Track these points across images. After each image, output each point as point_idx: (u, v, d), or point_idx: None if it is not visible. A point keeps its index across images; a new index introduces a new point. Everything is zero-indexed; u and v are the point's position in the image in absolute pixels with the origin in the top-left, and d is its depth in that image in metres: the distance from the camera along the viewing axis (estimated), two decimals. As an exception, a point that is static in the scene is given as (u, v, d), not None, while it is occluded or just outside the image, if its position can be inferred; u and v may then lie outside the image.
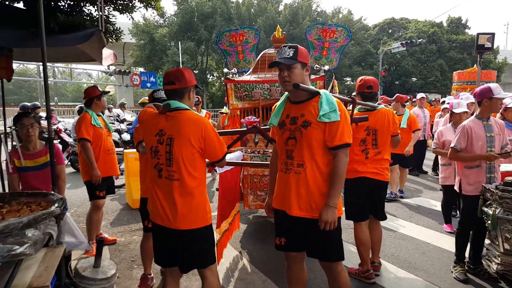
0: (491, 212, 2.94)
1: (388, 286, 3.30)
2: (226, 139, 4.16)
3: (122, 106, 13.26)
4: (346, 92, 31.94)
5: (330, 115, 2.09)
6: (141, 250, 3.36)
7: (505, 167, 3.58)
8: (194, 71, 30.94)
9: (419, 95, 8.13)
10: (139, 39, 30.56)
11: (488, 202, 3.08)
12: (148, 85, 27.44)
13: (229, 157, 3.42)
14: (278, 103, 2.38)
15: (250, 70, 4.88)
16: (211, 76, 34.45)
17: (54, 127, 11.79)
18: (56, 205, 2.39)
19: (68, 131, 10.24)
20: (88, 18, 4.63)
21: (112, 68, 28.01)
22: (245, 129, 2.92)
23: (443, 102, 8.22)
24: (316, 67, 4.68)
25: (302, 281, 2.45)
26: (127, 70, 27.00)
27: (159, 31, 29.53)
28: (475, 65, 11.17)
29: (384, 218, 3.44)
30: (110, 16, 4.97)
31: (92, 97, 4.22)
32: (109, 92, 5.62)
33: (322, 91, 2.19)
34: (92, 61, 5.52)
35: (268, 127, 2.70)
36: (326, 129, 2.12)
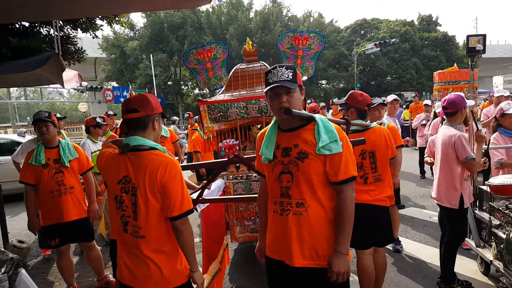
0: (503, 236, 2.68)
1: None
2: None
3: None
4: (322, 96, 31.93)
5: (330, 147, 1.75)
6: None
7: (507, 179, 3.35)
8: (168, 83, 30.34)
9: (390, 97, 5.49)
10: (109, 53, 29.75)
11: (499, 223, 2.83)
12: (122, 99, 26.74)
13: (211, 188, 3.06)
14: (267, 131, 1.98)
15: (223, 89, 4.53)
16: (186, 87, 33.85)
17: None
18: (3, 269, 1.99)
19: None
20: (47, 39, 4.21)
21: (84, 84, 27.20)
22: (225, 159, 2.56)
23: (426, 105, 8.01)
24: None
25: None
26: (98, 86, 26.21)
27: (129, 44, 28.82)
28: (455, 64, 11.13)
29: (386, 243, 3.17)
30: (71, 35, 4.56)
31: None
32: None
33: (317, 116, 1.83)
34: (54, 84, 5.07)
35: (251, 155, 2.39)
36: (327, 161, 1.78)
